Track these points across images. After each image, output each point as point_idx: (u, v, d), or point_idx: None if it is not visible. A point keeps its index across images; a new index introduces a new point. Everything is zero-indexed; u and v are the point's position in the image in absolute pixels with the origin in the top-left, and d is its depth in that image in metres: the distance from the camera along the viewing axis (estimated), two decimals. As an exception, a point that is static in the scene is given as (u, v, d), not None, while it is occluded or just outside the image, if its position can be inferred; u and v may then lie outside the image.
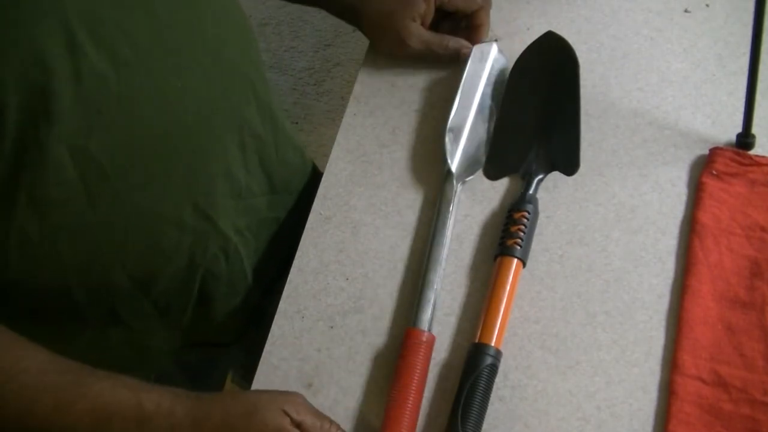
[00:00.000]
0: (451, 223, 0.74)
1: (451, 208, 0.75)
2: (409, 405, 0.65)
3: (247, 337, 0.86)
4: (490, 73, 0.83)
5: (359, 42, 2.07)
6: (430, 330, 0.69)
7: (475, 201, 0.77)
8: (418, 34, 0.81)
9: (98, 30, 0.58)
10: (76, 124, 0.58)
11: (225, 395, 0.62)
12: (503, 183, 0.78)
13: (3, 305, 0.68)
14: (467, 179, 0.77)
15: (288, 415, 0.61)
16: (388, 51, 0.85)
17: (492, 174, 0.78)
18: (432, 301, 0.70)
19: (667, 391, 0.65)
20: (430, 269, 0.72)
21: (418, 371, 0.66)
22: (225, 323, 0.83)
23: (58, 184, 0.60)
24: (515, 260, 0.70)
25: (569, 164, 0.76)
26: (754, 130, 0.75)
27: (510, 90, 0.82)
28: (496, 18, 0.87)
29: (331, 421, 0.63)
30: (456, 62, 0.83)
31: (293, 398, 0.63)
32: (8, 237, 0.62)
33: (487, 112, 0.81)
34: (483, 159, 0.79)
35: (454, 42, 0.82)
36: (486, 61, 0.83)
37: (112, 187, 0.64)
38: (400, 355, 0.67)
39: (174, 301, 0.76)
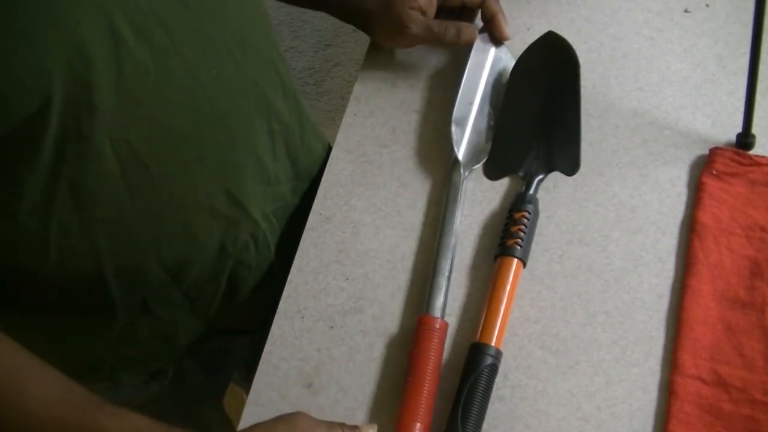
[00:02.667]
0: (459, 211, 0.74)
1: (459, 196, 0.75)
2: (425, 392, 0.64)
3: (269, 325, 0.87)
4: (492, 64, 0.84)
5: (359, 42, 2.06)
6: (443, 317, 0.69)
7: (475, 201, 0.77)
8: (419, 19, 0.81)
9: (136, 18, 0.57)
10: (116, 115, 0.59)
11: None
12: (503, 183, 0.78)
13: (38, 299, 0.68)
14: (474, 167, 0.78)
15: None
16: (391, 41, 0.86)
17: (492, 174, 0.78)
18: (444, 288, 0.70)
19: (667, 391, 0.65)
20: (441, 256, 0.72)
21: (432, 357, 0.66)
22: (251, 311, 0.84)
23: (98, 175, 0.61)
24: (515, 260, 0.70)
25: (569, 164, 0.76)
26: (754, 130, 0.75)
27: (510, 90, 0.82)
28: (496, 18, 0.87)
29: (342, 425, 0.63)
30: (458, 48, 0.84)
31: (300, 422, 0.61)
32: (49, 230, 0.62)
33: (489, 101, 0.82)
34: (488, 147, 0.79)
35: (455, 25, 0.82)
36: (488, 52, 0.84)
37: (149, 176, 0.64)
38: (413, 343, 0.68)
39: (204, 291, 0.77)
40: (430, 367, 0.66)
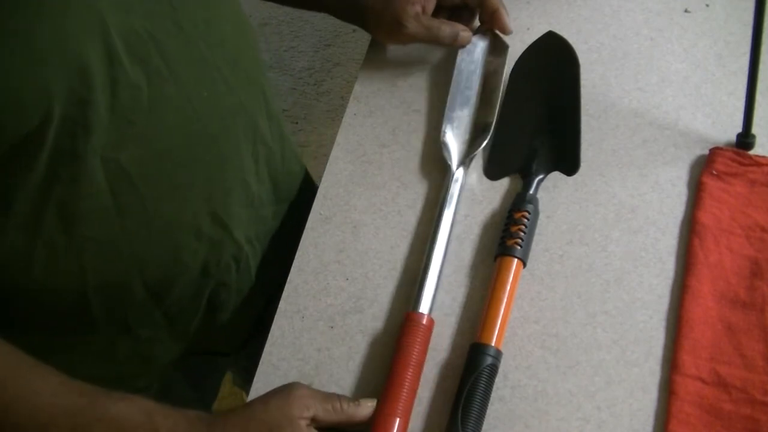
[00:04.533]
0: (452, 209, 0.74)
1: (450, 193, 0.75)
2: (406, 386, 0.64)
3: (249, 346, 0.86)
4: (474, 59, 0.84)
5: (359, 42, 2.07)
6: (430, 314, 0.69)
7: (475, 201, 0.77)
8: (416, 16, 0.82)
9: (132, 41, 0.58)
10: (109, 135, 0.59)
11: (238, 416, 0.61)
12: (503, 183, 0.78)
13: (19, 316, 0.68)
14: (472, 155, 0.77)
15: (301, 417, 0.61)
16: (388, 38, 0.86)
17: (492, 174, 0.78)
18: (433, 285, 0.70)
19: (667, 391, 0.65)
20: (432, 251, 0.72)
21: (415, 353, 0.66)
22: (230, 332, 0.84)
23: (89, 196, 0.61)
24: (515, 260, 0.70)
25: (569, 164, 0.76)
26: (754, 130, 0.75)
27: (510, 90, 0.82)
28: (496, 18, 0.87)
29: (339, 397, 0.63)
30: (454, 47, 0.84)
31: (298, 394, 0.62)
32: (35, 249, 0.62)
33: (474, 89, 0.82)
34: (479, 141, 0.79)
35: (451, 25, 0.83)
36: (478, 53, 0.84)
37: (138, 197, 0.64)
38: (398, 338, 0.68)
39: (183, 311, 0.76)
40: (413, 362, 0.65)
